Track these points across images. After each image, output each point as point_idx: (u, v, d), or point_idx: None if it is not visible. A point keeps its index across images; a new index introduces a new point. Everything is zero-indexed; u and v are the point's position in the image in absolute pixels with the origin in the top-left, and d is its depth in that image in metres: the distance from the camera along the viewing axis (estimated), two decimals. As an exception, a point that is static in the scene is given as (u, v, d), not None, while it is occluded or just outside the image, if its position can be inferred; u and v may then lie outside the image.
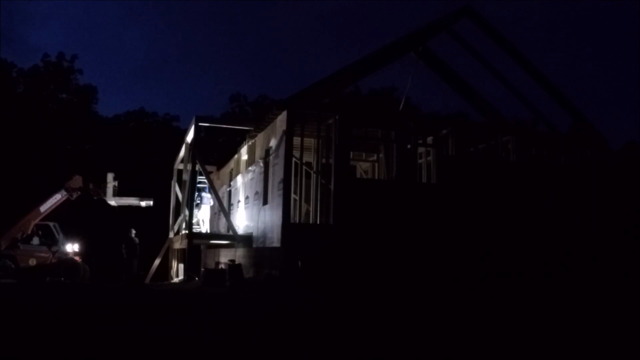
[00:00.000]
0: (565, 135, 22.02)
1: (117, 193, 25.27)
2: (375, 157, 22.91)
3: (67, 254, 23.46)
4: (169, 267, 26.16)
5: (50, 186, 26.94)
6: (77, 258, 23.58)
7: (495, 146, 20.23)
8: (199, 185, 22.30)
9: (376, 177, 22.28)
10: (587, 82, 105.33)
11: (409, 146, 18.61)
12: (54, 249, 23.39)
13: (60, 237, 23.71)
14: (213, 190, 22.92)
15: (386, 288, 14.85)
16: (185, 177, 23.10)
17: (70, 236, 24.64)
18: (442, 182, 18.50)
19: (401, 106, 23.26)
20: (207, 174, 23.29)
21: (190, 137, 22.81)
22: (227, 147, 34.59)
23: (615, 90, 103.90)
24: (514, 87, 21.56)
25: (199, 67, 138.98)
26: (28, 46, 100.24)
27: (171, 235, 26.01)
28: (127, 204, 25.76)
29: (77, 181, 24.33)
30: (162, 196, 28.41)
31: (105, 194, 24.84)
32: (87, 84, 44.68)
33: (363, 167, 24.70)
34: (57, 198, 23.94)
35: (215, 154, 37.16)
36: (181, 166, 25.01)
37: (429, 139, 19.40)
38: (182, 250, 23.10)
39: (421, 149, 19.86)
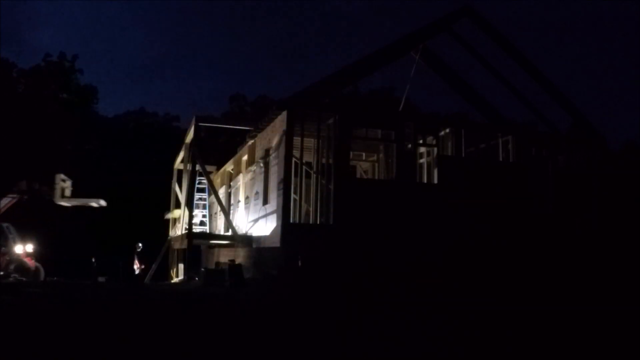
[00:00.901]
0: (565, 135, 22.02)
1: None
2: (375, 157, 22.91)
3: (18, 255, 23.50)
4: (169, 267, 26.17)
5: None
6: (28, 259, 23.59)
7: (495, 146, 20.23)
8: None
9: (376, 177, 22.28)
10: (587, 82, 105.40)
11: (409, 146, 18.62)
12: (4, 250, 23.42)
13: (12, 237, 23.70)
14: (213, 191, 22.92)
15: (386, 288, 14.85)
16: (185, 177, 23.10)
17: (28, 237, 24.54)
18: (442, 182, 18.51)
19: (401, 106, 23.25)
20: (207, 174, 23.28)
21: (190, 137, 22.83)
22: (227, 147, 34.59)
23: (615, 90, 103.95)
24: (513, 87, 21.55)
25: (199, 67, 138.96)
26: (28, 46, 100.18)
27: (171, 235, 26.02)
28: (78, 204, 25.82)
29: (22, 185, 24.71)
30: (162, 196, 28.42)
31: (53, 195, 24.91)
32: (87, 84, 44.79)
33: (363, 167, 24.70)
34: (7, 200, 24.26)
35: (215, 154, 37.17)
36: (181, 166, 25.02)
37: (429, 139, 19.41)
38: (182, 250, 23.11)
39: (421, 149, 19.86)
